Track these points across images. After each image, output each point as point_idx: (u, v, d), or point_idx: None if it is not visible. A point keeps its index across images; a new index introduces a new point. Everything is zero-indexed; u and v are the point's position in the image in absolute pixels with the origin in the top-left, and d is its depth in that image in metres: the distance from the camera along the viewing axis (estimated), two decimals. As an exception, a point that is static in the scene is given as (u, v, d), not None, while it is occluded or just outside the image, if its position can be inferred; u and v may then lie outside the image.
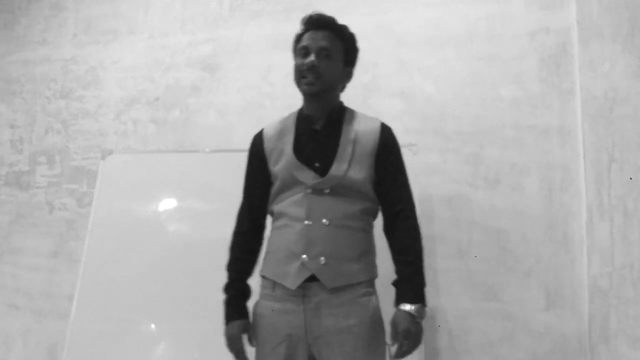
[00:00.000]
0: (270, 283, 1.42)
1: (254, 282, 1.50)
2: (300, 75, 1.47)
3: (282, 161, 1.46)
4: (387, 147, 1.49)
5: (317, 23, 1.49)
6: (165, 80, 2.61)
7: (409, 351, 1.32)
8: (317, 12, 1.51)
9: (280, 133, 1.51)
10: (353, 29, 2.48)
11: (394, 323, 1.33)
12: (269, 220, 1.56)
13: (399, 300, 1.36)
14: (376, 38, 2.35)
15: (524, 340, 1.93)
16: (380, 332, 1.38)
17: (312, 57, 1.45)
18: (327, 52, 1.46)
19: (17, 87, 2.87)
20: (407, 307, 1.33)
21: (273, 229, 1.49)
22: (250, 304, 1.48)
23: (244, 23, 2.56)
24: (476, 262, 2.03)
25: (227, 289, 1.48)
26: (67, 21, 2.87)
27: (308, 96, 1.50)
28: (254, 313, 1.45)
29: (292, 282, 1.36)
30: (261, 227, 1.56)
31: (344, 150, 1.43)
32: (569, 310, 1.91)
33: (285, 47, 2.44)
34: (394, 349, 1.33)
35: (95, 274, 2.09)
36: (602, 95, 1.97)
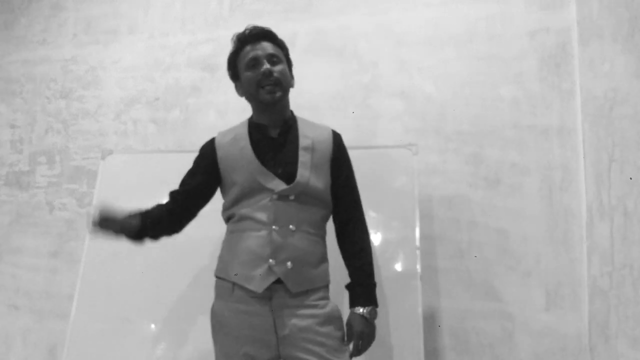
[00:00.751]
0: (228, 285, 1.42)
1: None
2: (258, 86, 1.47)
3: (242, 168, 1.46)
4: (340, 154, 1.54)
5: (256, 35, 1.52)
6: (165, 80, 2.61)
7: (363, 350, 1.41)
8: (250, 26, 1.54)
9: (233, 141, 1.51)
10: (353, 29, 2.49)
11: (348, 325, 1.42)
12: (215, 223, 1.55)
13: (353, 303, 1.43)
14: (376, 38, 2.35)
15: (524, 340, 1.93)
16: (341, 328, 1.43)
17: (266, 65, 1.46)
18: (276, 59, 1.50)
19: (17, 87, 2.87)
20: (360, 310, 1.41)
21: (233, 232, 1.49)
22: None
23: (244, 23, 2.52)
24: (476, 262, 2.03)
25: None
26: (67, 21, 2.87)
27: (268, 105, 1.49)
28: (214, 315, 1.46)
29: (258, 286, 1.37)
30: (182, 217, 1.55)
31: (304, 157, 1.46)
32: (569, 310, 1.91)
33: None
34: (350, 347, 1.41)
35: (95, 274, 2.09)
36: (602, 95, 1.97)
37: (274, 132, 1.51)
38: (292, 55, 1.61)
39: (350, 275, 1.47)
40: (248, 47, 1.52)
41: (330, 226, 1.55)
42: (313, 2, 2.48)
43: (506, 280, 1.99)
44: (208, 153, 1.55)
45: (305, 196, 1.44)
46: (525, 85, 2.13)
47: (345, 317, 1.45)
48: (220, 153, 1.52)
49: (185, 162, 2.16)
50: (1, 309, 2.55)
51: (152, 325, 2.00)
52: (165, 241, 2.10)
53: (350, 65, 2.36)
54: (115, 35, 2.76)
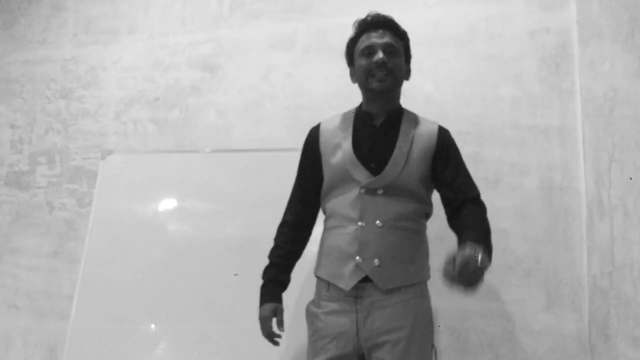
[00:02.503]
0: (324, 283, 1.43)
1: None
2: (369, 74, 1.45)
3: (338, 155, 1.45)
4: (444, 149, 1.49)
5: (377, 23, 1.50)
6: (165, 80, 2.61)
7: (467, 280, 1.18)
8: (373, 12, 1.51)
9: (338, 127, 1.51)
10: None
11: (452, 256, 1.21)
12: (320, 216, 1.57)
13: (465, 241, 1.25)
14: (376, 38, 2.35)
15: (524, 340, 1.93)
16: (430, 334, 1.40)
17: (380, 55, 1.44)
18: (392, 49, 1.47)
19: (17, 87, 2.87)
20: (475, 245, 1.20)
21: (325, 229, 1.49)
22: (287, 294, 1.51)
23: (244, 23, 2.56)
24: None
25: (264, 273, 1.51)
26: (67, 21, 2.87)
27: (376, 93, 1.47)
28: (308, 312, 1.47)
29: (346, 284, 1.36)
30: (308, 220, 1.56)
31: (401, 150, 1.43)
32: (569, 310, 1.91)
33: (285, 47, 2.46)
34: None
35: (95, 274, 2.09)
36: (602, 95, 1.97)
37: (377, 122, 1.49)
38: (292, 55, 1.60)
39: (467, 231, 1.33)
40: (366, 34, 1.49)
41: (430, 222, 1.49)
42: (313, 2, 2.47)
43: (506, 280, 1.99)
44: (312, 142, 1.55)
45: (394, 190, 1.40)
46: (525, 85, 2.13)
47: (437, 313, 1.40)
48: (323, 137, 1.52)
49: (185, 162, 2.17)
50: (1, 309, 2.55)
51: (152, 325, 2.00)
52: (165, 241, 2.11)
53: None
54: (115, 35, 2.76)
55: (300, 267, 1.56)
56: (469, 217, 1.40)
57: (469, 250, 1.17)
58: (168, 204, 2.17)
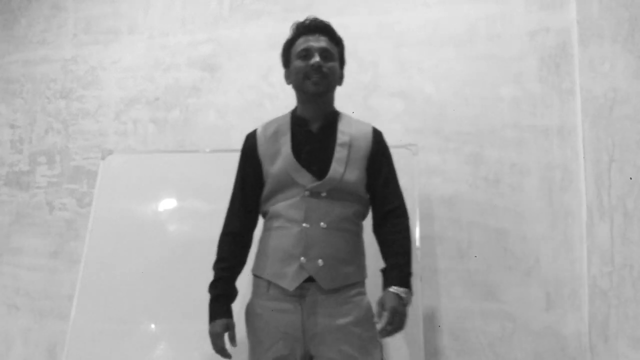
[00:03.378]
0: (264, 283, 1.43)
1: (245, 280, 1.51)
2: (305, 77, 1.47)
3: (278, 162, 1.46)
4: (379, 151, 1.53)
5: (314, 27, 1.52)
6: (165, 80, 2.61)
7: (394, 330, 1.32)
8: (312, 17, 1.54)
9: (275, 134, 1.52)
10: (353, 29, 2.49)
11: (381, 302, 1.34)
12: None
13: (388, 283, 1.37)
14: (376, 38, 2.35)
15: (524, 340, 1.93)
16: (373, 329, 1.40)
17: (316, 58, 1.46)
18: (327, 54, 1.50)
19: (17, 87, 2.87)
20: (396, 289, 1.35)
21: (267, 230, 1.49)
22: (236, 305, 1.49)
23: (244, 23, 2.56)
24: (476, 262, 2.03)
25: (212, 288, 1.49)
26: (67, 21, 2.87)
27: (311, 97, 1.49)
28: (248, 312, 1.47)
29: (290, 284, 1.38)
30: (251, 228, 1.55)
31: (340, 153, 1.46)
32: (569, 310, 1.91)
33: (285, 47, 2.46)
34: (379, 326, 1.32)
35: (95, 274, 2.09)
36: (602, 95, 1.97)
37: (314, 127, 1.51)
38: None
39: (388, 261, 1.43)
40: (304, 38, 1.51)
41: (366, 222, 1.53)
42: (313, 2, 2.48)
43: (506, 280, 1.99)
44: (250, 148, 1.55)
45: (337, 192, 1.43)
46: (525, 85, 2.13)
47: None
48: (260, 144, 1.52)
49: (185, 162, 2.16)
50: (1, 309, 2.55)
51: (152, 325, 2.00)
52: (165, 241, 2.11)
53: (350, 65, 2.35)
54: (115, 35, 2.76)
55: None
56: (393, 236, 1.46)
57: (394, 302, 1.31)
58: (168, 204, 2.17)
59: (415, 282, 1.80)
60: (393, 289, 1.35)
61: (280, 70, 2.45)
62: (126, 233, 2.13)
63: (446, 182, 2.12)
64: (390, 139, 2.21)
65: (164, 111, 2.57)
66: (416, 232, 1.87)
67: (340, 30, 2.56)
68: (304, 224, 1.40)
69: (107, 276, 2.08)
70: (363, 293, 1.44)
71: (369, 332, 1.38)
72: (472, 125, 2.15)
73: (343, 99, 2.32)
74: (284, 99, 2.38)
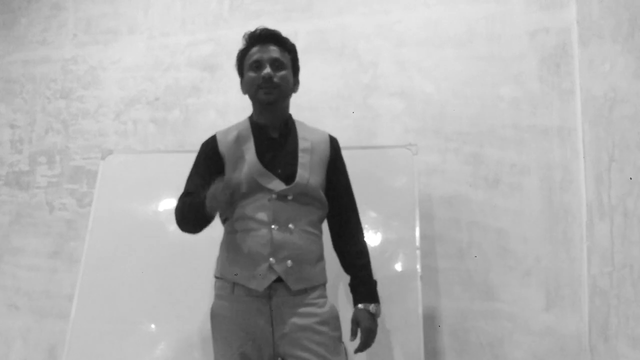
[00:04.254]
0: (228, 284, 1.44)
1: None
2: (257, 87, 1.50)
3: (243, 167, 1.47)
4: (337, 158, 1.58)
5: (265, 37, 1.54)
6: (165, 80, 2.61)
7: (368, 345, 1.46)
8: (261, 27, 1.55)
9: (238, 139, 1.53)
10: (353, 29, 2.49)
11: (355, 321, 1.46)
12: (215, 223, 1.49)
13: (359, 300, 1.48)
14: (376, 38, 2.35)
15: (524, 340, 1.93)
16: (338, 329, 1.46)
17: (267, 69, 1.49)
18: (278, 64, 1.52)
19: (17, 87, 2.87)
20: (368, 306, 1.46)
21: (232, 232, 1.49)
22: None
23: (244, 23, 2.55)
24: (476, 262, 2.03)
25: (193, 199, 1.41)
26: (67, 21, 2.87)
27: (264, 105, 1.52)
28: (213, 315, 1.47)
29: (259, 284, 1.39)
30: None
31: (304, 158, 1.49)
32: (569, 310, 1.91)
33: (285, 47, 2.46)
34: (354, 344, 1.45)
35: (95, 274, 2.09)
36: (602, 95, 1.97)
37: (274, 133, 1.54)
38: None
39: (352, 274, 1.52)
40: (255, 48, 1.54)
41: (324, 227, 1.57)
42: (313, 2, 2.48)
43: (506, 280, 1.99)
44: (211, 151, 1.54)
45: (303, 196, 1.47)
46: (525, 85, 2.13)
47: (342, 314, 1.48)
48: (222, 150, 1.52)
49: (185, 162, 2.16)
50: (1, 309, 2.55)
51: (152, 325, 2.00)
52: (166, 241, 2.11)
53: (350, 65, 2.36)
54: (115, 35, 2.76)
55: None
56: (353, 247, 1.54)
57: (368, 321, 1.45)
58: (168, 204, 2.17)
59: (415, 282, 1.81)
60: (366, 307, 1.46)
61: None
62: (126, 233, 2.13)
63: (446, 182, 2.12)
64: (390, 139, 2.22)
65: (164, 111, 2.57)
66: (416, 232, 1.87)
67: (340, 30, 2.56)
68: (272, 226, 1.42)
69: (107, 276, 2.08)
70: (325, 296, 1.49)
71: (334, 331, 1.43)
72: (472, 125, 2.15)
73: (343, 99, 2.34)
74: (284, 99, 2.38)
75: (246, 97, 2.54)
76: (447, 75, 2.23)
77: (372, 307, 1.46)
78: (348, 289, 1.53)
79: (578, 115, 2.03)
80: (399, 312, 1.80)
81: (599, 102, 1.97)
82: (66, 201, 2.60)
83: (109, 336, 2.00)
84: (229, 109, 2.47)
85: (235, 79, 2.48)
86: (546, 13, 2.16)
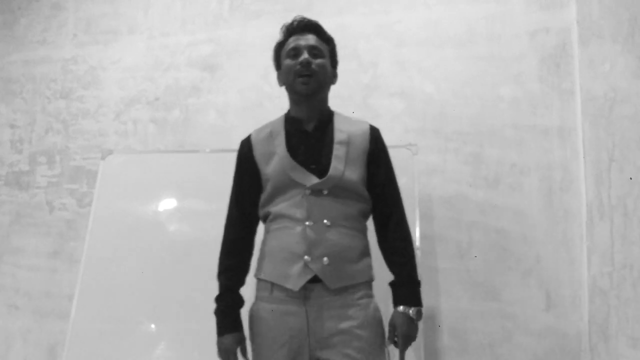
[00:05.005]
0: (267, 285, 1.40)
1: (249, 285, 1.50)
2: (295, 75, 1.45)
3: (274, 163, 1.44)
4: (377, 149, 1.50)
5: (303, 26, 1.52)
6: (165, 80, 2.61)
7: (405, 350, 1.37)
8: (299, 17, 1.53)
9: (269, 136, 1.50)
10: (353, 29, 2.49)
11: (393, 325, 1.36)
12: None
13: (398, 302, 1.38)
14: (376, 38, 2.35)
15: (524, 340, 1.93)
16: (381, 332, 1.39)
17: (305, 55, 1.45)
18: (317, 51, 1.48)
19: (17, 87, 2.87)
20: (408, 310, 1.36)
21: (269, 231, 1.46)
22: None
23: (244, 23, 2.56)
24: (476, 262, 2.03)
25: (219, 299, 1.44)
26: (67, 21, 2.87)
27: (302, 97, 1.47)
28: (252, 316, 1.43)
29: (295, 284, 1.34)
30: (252, 234, 1.53)
31: (339, 150, 1.43)
32: (569, 310, 1.91)
33: (285, 47, 2.46)
34: (390, 347, 1.36)
35: (95, 274, 2.09)
36: (602, 95, 1.97)
37: (309, 126, 1.49)
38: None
39: (395, 273, 1.42)
40: (293, 38, 1.51)
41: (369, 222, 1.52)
42: (313, 2, 2.48)
43: (506, 280, 1.99)
44: (245, 150, 1.53)
45: (339, 190, 1.40)
46: (525, 85, 2.13)
47: (386, 315, 1.40)
48: (256, 148, 1.50)
49: (185, 162, 2.16)
50: (1, 309, 2.55)
51: (152, 325, 2.00)
52: (165, 241, 2.11)
53: (350, 65, 2.36)
54: (115, 35, 2.76)
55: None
56: (397, 243, 1.45)
57: (406, 326, 1.35)
58: (168, 204, 2.17)
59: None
60: (405, 310, 1.36)
61: (280, 70, 2.45)
62: (126, 233, 2.13)
63: (446, 182, 2.12)
64: (390, 139, 2.20)
65: (164, 111, 2.57)
66: (416, 232, 1.87)
67: (340, 30, 2.56)
68: (306, 222, 1.37)
69: (107, 276, 2.08)
70: (370, 295, 1.41)
71: (376, 336, 1.36)
72: (472, 125, 2.15)
73: (343, 99, 2.33)
74: (284, 99, 2.36)
75: (246, 97, 2.55)
76: (447, 75, 2.23)
77: (412, 311, 1.35)
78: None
79: (578, 115, 2.03)
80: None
81: (599, 102, 1.97)
82: (66, 201, 2.60)
83: (109, 336, 2.00)
84: (229, 109, 2.47)
85: (235, 79, 2.51)
86: (546, 13, 2.16)
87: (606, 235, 1.88)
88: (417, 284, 1.41)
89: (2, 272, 2.60)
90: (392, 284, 1.42)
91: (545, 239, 1.99)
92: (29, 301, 2.51)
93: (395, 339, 1.37)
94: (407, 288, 1.40)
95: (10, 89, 2.88)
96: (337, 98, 2.32)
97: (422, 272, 1.84)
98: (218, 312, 1.43)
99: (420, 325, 1.76)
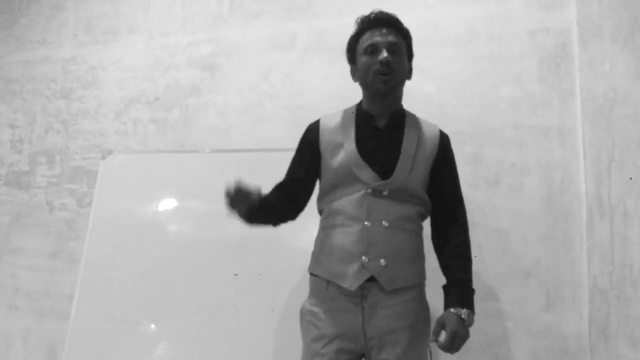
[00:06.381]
0: (323, 282, 1.40)
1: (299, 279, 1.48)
2: (375, 74, 1.42)
3: (340, 155, 1.42)
4: (445, 155, 1.49)
5: (380, 21, 1.47)
6: (165, 80, 2.61)
7: (454, 349, 1.29)
8: (377, 10, 1.49)
9: (339, 126, 1.47)
10: (352, 29, 2.49)
11: (441, 322, 1.31)
12: (313, 217, 1.52)
13: (450, 303, 1.35)
14: (376, 38, 2.35)
15: (524, 340, 1.93)
16: (427, 334, 1.39)
17: (384, 54, 1.41)
18: (395, 48, 1.44)
19: (17, 87, 2.87)
20: (460, 311, 1.32)
21: (325, 228, 1.45)
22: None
23: (244, 23, 2.56)
24: (476, 262, 2.02)
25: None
26: (67, 21, 2.87)
27: (380, 94, 1.45)
28: (304, 311, 1.44)
29: (351, 283, 1.34)
30: (294, 202, 1.51)
31: (407, 154, 1.41)
32: (569, 310, 1.91)
33: (285, 47, 2.46)
34: (438, 344, 1.30)
35: (95, 274, 2.09)
36: (602, 95, 1.97)
37: (380, 123, 1.47)
38: (293, 55, 1.60)
39: (449, 276, 1.41)
40: (369, 32, 1.47)
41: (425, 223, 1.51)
42: (313, 2, 2.48)
43: (506, 280, 1.99)
44: (312, 135, 1.51)
45: (400, 193, 1.39)
46: (525, 85, 2.13)
47: (435, 315, 1.39)
48: (323, 136, 1.48)
49: (185, 162, 2.17)
50: (1, 309, 2.55)
51: (152, 325, 2.00)
52: (165, 241, 2.11)
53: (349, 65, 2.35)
54: (115, 35, 2.76)
55: (293, 266, 1.53)
56: (454, 249, 1.42)
57: (455, 324, 1.28)
58: (168, 204, 2.17)
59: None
60: (457, 310, 1.32)
61: (280, 70, 2.46)
62: (126, 233, 2.14)
63: (446, 182, 2.12)
64: (390, 139, 2.22)
65: (164, 111, 2.57)
66: (416, 232, 1.87)
67: (340, 30, 2.56)
68: (365, 222, 1.36)
69: (107, 276, 2.08)
70: (422, 296, 1.42)
71: (423, 337, 1.37)
72: (472, 125, 2.15)
73: (344, 99, 2.32)
74: (284, 99, 2.38)
75: (246, 97, 2.55)
76: (447, 75, 2.23)
77: (464, 313, 1.31)
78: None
79: (578, 115, 2.03)
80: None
81: (599, 102, 1.97)
82: (66, 201, 2.60)
83: (109, 336, 2.00)
84: (229, 109, 2.47)
85: (235, 79, 2.51)
86: (546, 13, 2.16)
87: (606, 235, 1.88)
88: (472, 289, 1.40)
89: (2, 272, 2.60)
90: (446, 286, 1.40)
91: (545, 239, 1.99)
92: (29, 301, 2.51)
93: (440, 338, 1.30)
94: (460, 290, 1.37)
95: (10, 89, 2.88)
96: (337, 98, 2.33)
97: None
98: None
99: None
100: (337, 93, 2.34)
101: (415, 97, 2.25)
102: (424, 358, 1.37)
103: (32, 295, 2.51)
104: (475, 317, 1.97)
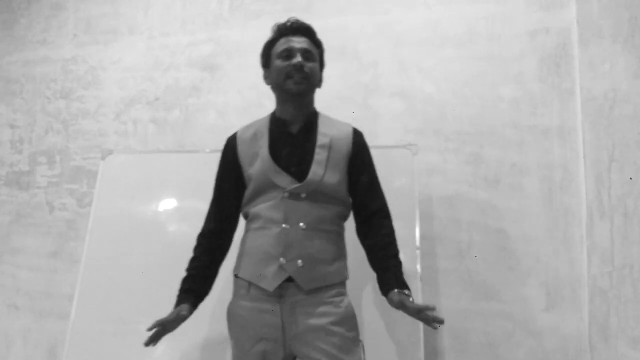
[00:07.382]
0: (245, 283, 1.44)
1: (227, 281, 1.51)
2: (286, 76, 1.48)
3: (257, 164, 1.47)
4: (359, 152, 1.53)
5: (296, 28, 1.54)
6: (165, 80, 2.61)
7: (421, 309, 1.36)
8: (293, 18, 1.56)
9: (254, 136, 1.52)
10: (353, 29, 2.49)
11: (399, 303, 1.36)
12: (241, 222, 1.57)
13: (393, 286, 1.39)
14: (376, 38, 2.35)
15: (524, 340, 1.93)
16: (354, 329, 1.42)
17: (298, 58, 1.47)
18: (309, 55, 1.51)
19: (17, 87, 2.87)
20: (405, 291, 1.38)
21: (247, 231, 1.50)
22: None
23: (244, 23, 2.56)
24: (476, 262, 2.03)
25: (182, 283, 1.53)
26: (67, 21, 2.87)
27: (292, 97, 1.50)
28: (230, 313, 1.48)
29: (269, 284, 1.38)
30: (228, 229, 1.57)
31: (320, 155, 1.46)
32: (569, 310, 1.91)
33: (285, 47, 2.46)
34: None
35: (95, 274, 2.09)
36: (602, 95, 1.97)
37: (294, 128, 1.51)
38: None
39: (380, 264, 1.45)
40: (285, 38, 1.53)
41: (348, 222, 1.53)
42: (313, 2, 2.48)
43: (506, 280, 1.99)
44: (230, 152, 1.56)
45: (317, 194, 1.43)
46: (525, 85, 2.13)
47: (359, 310, 1.42)
48: (241, 148, 1.53)
49: (185, 162, 2.17)
50: (1, 309, 2.55)
51: (152, 325, 2.00)
52: (165, 241, 2.11)
53: (350, 65, 2.36)
54: (115, 35, 2.76)
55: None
56: (382, 239, 1.46)
57: (410, 301, 1.36)
58: (168, 204, 2.17)
59: (415, 282, 1.81)
60: (401, 290, 1.38)
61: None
62: (126, 233, 2.13)
63: (446, 182, 2.12)
64: (390, 139, 2.22)
65: (164, 111, 2.57)
66: (416, 232, 1.87)
67: (340, 30, 2.57)
68: (283, 225, 1.41)
69: (107, 276, 2.08)
70: (343, 293, 1.45)
71: (350, 331, 1.39)
72: (472, 125, 2.15)
73: (343, 99, 2.33)
74: (284, 99, 2.38)
75: (246, 97, 2.55)
76: (447, 75, 2.23)
77: (408, 292, 1.38)
78: (373, 287, 1.44)
79: (578, 115, 2.03)
80: (399, 312, 1.80)
81: (599, 102, 1.98)
82: (66, 201, 2.60)
83: (109, 336, 2.00)
84: (229, 109, 2.47)
85: (235, 79, 2.51)
86: (546, 13, 2.16)
87: (606, 235, 1.88)
88: (403, 276, 1.44)
89: (2, 272, 2.60)
90: (383, 273, 1.43)
91: (545, 239, 1.99)
92: (29, 301, 2.51)
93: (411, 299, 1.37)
94: (400, 275, 1.42)
95: (10, 89, 2.88)
96: (337, 98, 2.33)
97: (422, 272, 1.84)
98: (178, 293, 1.53)
99: (420, 325, 1.77)
100: (337, 93, 2.34)
101: (415, 97, 2.25)
102: (356, 354, 1.39)
103: (32, 295, 2.51)
104: (475, 317, 1.98)
